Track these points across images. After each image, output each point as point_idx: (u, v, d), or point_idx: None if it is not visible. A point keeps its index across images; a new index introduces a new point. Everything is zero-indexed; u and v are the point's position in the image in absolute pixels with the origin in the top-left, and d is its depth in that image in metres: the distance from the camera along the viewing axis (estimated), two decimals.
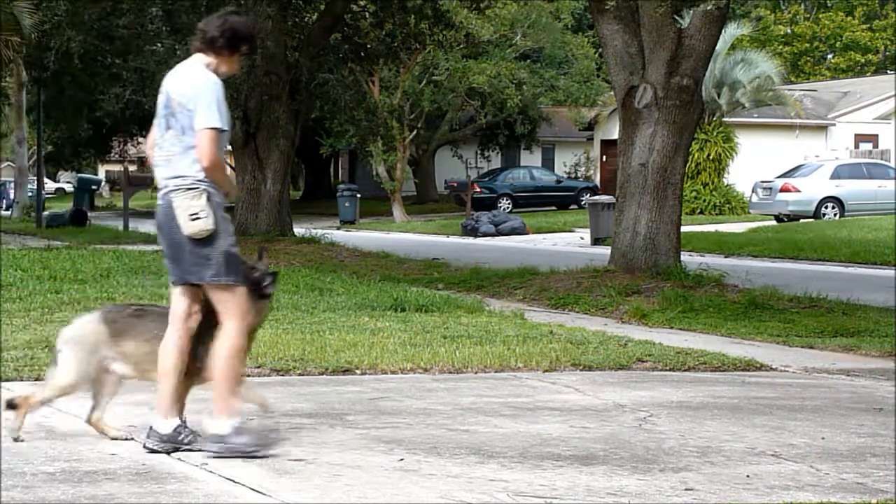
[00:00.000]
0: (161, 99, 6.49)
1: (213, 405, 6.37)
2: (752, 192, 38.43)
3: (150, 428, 6.39)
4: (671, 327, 13.65)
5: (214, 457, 6.20)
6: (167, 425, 6.36)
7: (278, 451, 6.35)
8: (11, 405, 6.58)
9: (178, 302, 6.43)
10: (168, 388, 6.39)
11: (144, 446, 6.39)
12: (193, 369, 6.47)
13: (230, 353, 6.32)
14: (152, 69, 25.65)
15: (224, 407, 6.32)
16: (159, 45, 24.99)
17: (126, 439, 6.60)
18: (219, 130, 6.32)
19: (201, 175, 6.34)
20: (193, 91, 6.33)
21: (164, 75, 6.68)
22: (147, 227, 34.64)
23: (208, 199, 6.38)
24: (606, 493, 5.74)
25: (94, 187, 52.43)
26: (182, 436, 6.37)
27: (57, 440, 6.63)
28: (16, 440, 6.48)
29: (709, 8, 16.28)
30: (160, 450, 6.31)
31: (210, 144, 6.29)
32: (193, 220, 6.32)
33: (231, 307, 6.36)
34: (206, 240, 6.37)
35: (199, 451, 6.30)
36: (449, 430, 7.16)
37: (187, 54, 6.70)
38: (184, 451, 6.30)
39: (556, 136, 57.78)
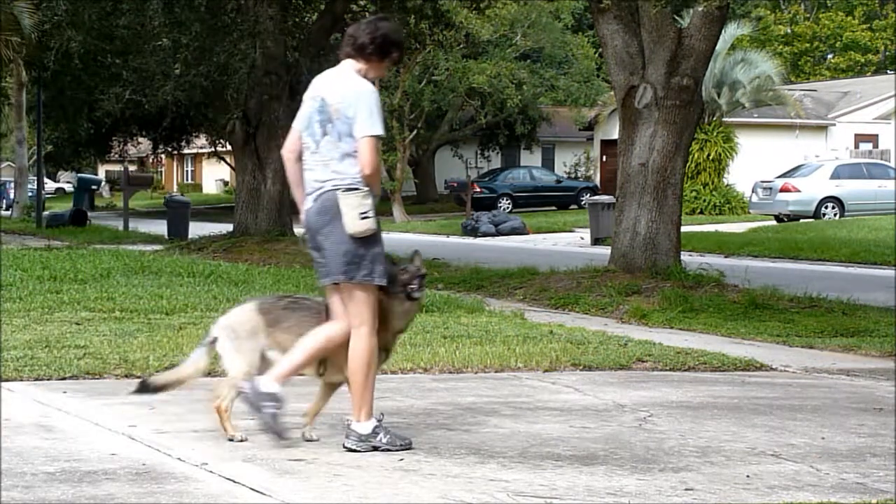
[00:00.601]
0: (313, 105, 6.59)
1: (354, 410, 6.52)
2: (752, 192, 38.44)
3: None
4: (671, 327, 13.65)
5: (355, 451, 6.42)
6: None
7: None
8: (145, 386, 6.77)
9: (338, 301, 6.55)
10: (296, 361, 6.52)
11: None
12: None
13: (368, 358, 6.48)
14: (153, 69, 25.62)
15: (365, 413, 6.50)
16: (165, 39, 24.93)
17: (242, 440, 6.64)
18: (378, 138, 6.51)
19: (359, 177, 6.48)
20: (353, 98, 6.47)
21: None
22: (147, 226, 34.71)
23: (373, 201, 6.54)
24: (606, 493, 5.74)
25: (94, 187, 52.46)
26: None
27: (57, 440, 6.63)
28: (233, 440, 6.61)
29: (708, 8, 16.27)
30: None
31: (371, 152, 6.48)
32: (363, 218, 6.42)
33: (364, 310, 6.48)
34: (365, 240, 6.45)
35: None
36: (449, 430, 7.16)
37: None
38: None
39: (556, 136, 57.79)
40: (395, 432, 6.62)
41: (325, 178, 6.49)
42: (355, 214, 6.39)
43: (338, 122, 6.48)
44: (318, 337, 6.51)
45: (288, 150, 6.70)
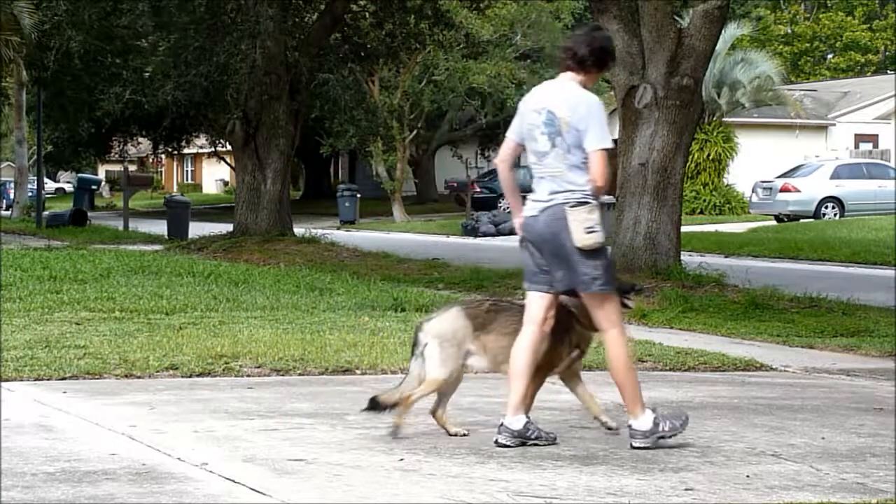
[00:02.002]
0: (537, 117, 6.77)
1: (629, 408, 6.76)
2: (752, 192, 38.43)
3: (502, 424, 6.68)
4: (671, 327, 13.65)
5: (646, 448, 6.62)
6: (518, 422, 6.67)
7: (687, 433, 6.77)
8: (377, 405, 6.91)
9: (538, 306, 6.79)
10: (520, 387, 6.73)
11: (496, 441, 6.65)
12: (540, 367, 6.86)
13: (627, 360, 6.76)
14: (154, 69, 25.63)
15: (639, 406, 6.71)
16: (144, 42, 24.95)
17: (464, 435, 6.85)
18: (608, 150, 6.68)
19: (588, 189, 6.65)
20: (585, 111, 6.65)
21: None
22: (147, 226, 34.71)
23: (600, 213, 6.72)
24: (606, 493, 5.74)
25: (94, 187, 52.45)
26: (530, 431, 6.68)
27: (57, 440, 6.63)
28: (395, 436, 6.82)
29: (708, 8, 16.27)
30: (511, 444, 6.61)
31: (604, 164, 6.63)
32: (589, 233, 6.60)
33: (612, 315, 6.73)
34: (596, 251, 6.64)
35: (546, 445, 6.65)
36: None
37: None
38: (530, 445, 6.63)
39: None
40: (671, 413, 6.82)
41: (556, 190, 6.70)
42: (582, 229, 6.60)
43: (567, 134, 6.66)
44: (524, 351, 6.74)
45: (501, 160, 7.01)
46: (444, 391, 6.93)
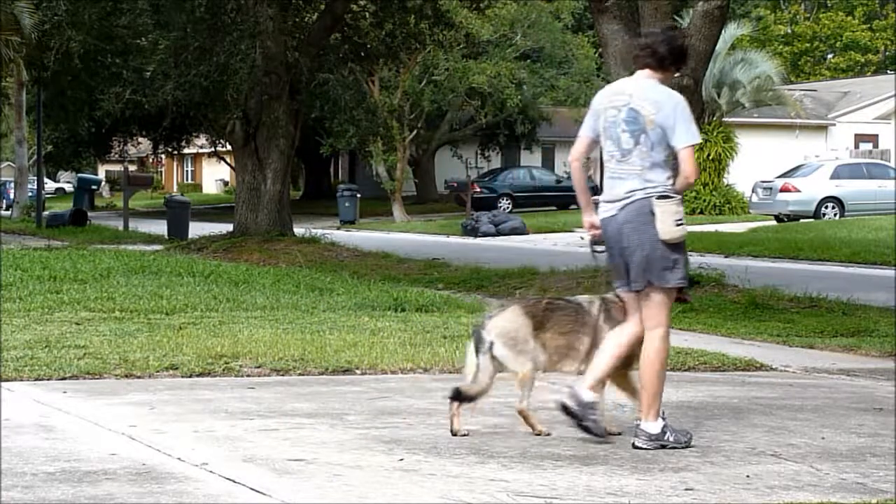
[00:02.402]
0: (618, 114, 6.78)
1: (644, 410, 6.76)
2: (752, 192, 38.43)
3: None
4: (671, 327, 13.62)
5: (645, 449, 6.65)
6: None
7: (694, 444, 6.74)
8: (459, 395, 6.95)
9: (637, 305, 6.86)
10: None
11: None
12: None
13: (663, 360, 6.81)
14: (154, 69, 25.63)
15: (655, 412, 6.74)
16: (143, 40, 24.98)
17: (547, 434, 6.94)
18: (696, 146, 6.79)
19: (669, 184, 6.70)
20: (671, 109, 6.71)
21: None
22: (147, 226, 34.71)
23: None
24: (606, 493, 5.74)
25: (94, 187, 52.44)
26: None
27: (57, 440, 6.63)
28: (540, 435, 6.94)
29: (708, 8, 16.27)
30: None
31: (693, 160, 6.73)
32: (678, 225, 6.65)
33: (665, 311, 6.82)
34: (677, 245, 6.70)
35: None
36: (449, 429, 7.15)
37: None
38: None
39: (556, 136, 57.74)
40: (678, 428, 6.82)
41: (637, 187, 6.72)
42: (671, 221, 6.62)
43: (652, 132, 6.69)
44: (621, 341, 6.84)
45: (575, 158, 7.01)
46: (487, 385, 7.00)
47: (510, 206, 47.15)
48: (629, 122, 6.73)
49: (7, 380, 8.46)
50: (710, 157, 40.82)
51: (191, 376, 8.93)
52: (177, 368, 9.09)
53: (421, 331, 11.35)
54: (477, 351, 6.98)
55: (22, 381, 8.52)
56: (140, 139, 52.00)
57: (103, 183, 66.94)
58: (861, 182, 37.73)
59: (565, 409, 6.83)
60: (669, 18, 16.60)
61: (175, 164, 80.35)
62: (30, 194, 44.49)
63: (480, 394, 7.01)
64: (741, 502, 5.66)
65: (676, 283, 6.73)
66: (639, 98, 6.75)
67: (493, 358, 6.94)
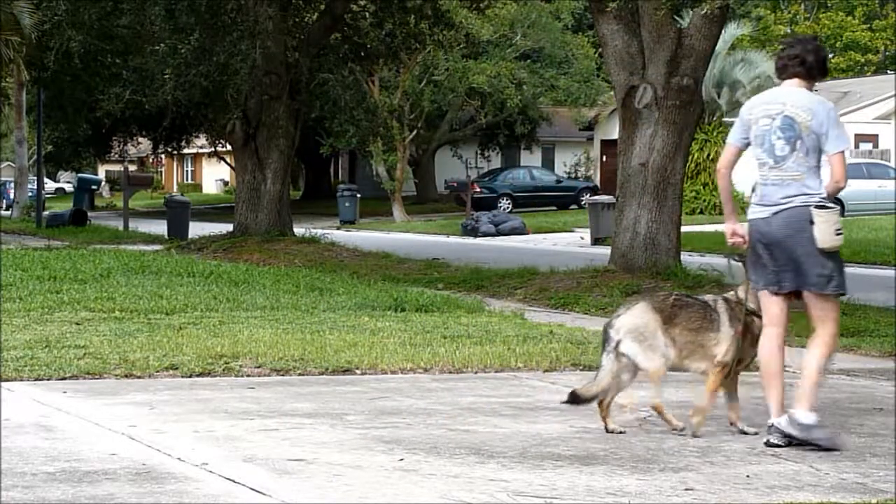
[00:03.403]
0: (771, 122, 7.03)
1: (800, 396, 6.94)
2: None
3: (772, 426, 6.89)
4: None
5: (794, 443, 6.77)
6: (786, 422, 6.85)
7: (842, 450, 6.78)
8: (576, 397, 7.08)
9: (780, 309, 7.10)
10: (778, 388, 7.00)
11: (767, 443, 6.83)
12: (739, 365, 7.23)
13: (827, 357, 7.04)
14: (152, 69, 25.62)
15: (812, 401, 6.90)
16: (161, 45, 25.01)
17: (682, 429, 7.08)
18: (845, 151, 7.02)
19: (823, 192, 6.93)
20: (824, 116, 6.93)
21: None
22: (147, 226, 34.71)
23: None
24: (606, 493, 5.74)
25: (94, 187, 52.41)
26: (815, 432, 6.83)
27: (57, 440, 6.63)
28: (676, 430, 7.10)
29: (708, 10, 16.27)
30: (782, 444, 6.79)
31: (843, 165, 6.95)
32: (838, 234, 6.88)
33: (834, 315, 7.03)
34: (834, 253, 6.92)
35: (810, 445, 6.76)
36: (449, 430, 7.16)
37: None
38: (794, 445, 6.79)
39: (556, 136, 57.76)
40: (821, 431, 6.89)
41: (794, 194, 6.94)
42: (831, 231, 6.84)
43: (807, 138, 6.93)
44: (775, 355, 7.09)
45: (724, 166, 7.36)
46: (621, 385, 7.13)
47: (510, 206, 47.15)
48: (784, 129, 6.97)
49: (7, 380, 8.46)
50: (710, 157, 40.77)
51: (191, 376, 8.93)
52: (177, 368, 9.09)
53: (421, 331, 11.35)
54: (603, 349, 7.13)
55: (22, 381, 8.52)
56: (140, 139, 51.99)
57: (103, 183, 66.91)
58: (861, 182, 37.67)
59: (775, 446, 6.84)
60: (669, 18, 16.59)
61: (175, 164, 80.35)
62: (30, 194, 44.47)
63: (598, 394, 7.10)
64: (741, 502, 5.66)
65: (833, 290, 6.94)
66: (793, 106, 6.98)
67: (620, 356, 7.05)
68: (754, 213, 7.13)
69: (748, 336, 7.21)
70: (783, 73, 7.15)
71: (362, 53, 28.58)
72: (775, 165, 7.01)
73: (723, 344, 7.18)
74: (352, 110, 27.56)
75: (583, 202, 44.12)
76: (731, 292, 7.36)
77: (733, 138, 7.27)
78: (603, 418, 7.14)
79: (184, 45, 23.93)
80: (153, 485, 5.67)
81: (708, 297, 7.40)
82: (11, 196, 48.96)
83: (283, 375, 9.13)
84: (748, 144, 7.18)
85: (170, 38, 24.50)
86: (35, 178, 40.84)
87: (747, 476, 6.13)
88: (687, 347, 7.13)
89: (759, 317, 7.18)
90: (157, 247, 25.76)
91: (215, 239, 26.22)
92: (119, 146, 51.80)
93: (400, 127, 45.06)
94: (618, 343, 7.03)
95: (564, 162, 57.23)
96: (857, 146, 47.92)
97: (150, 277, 15.61)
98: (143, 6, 24.12)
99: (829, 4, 75.09)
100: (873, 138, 48.51)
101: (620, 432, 7.05)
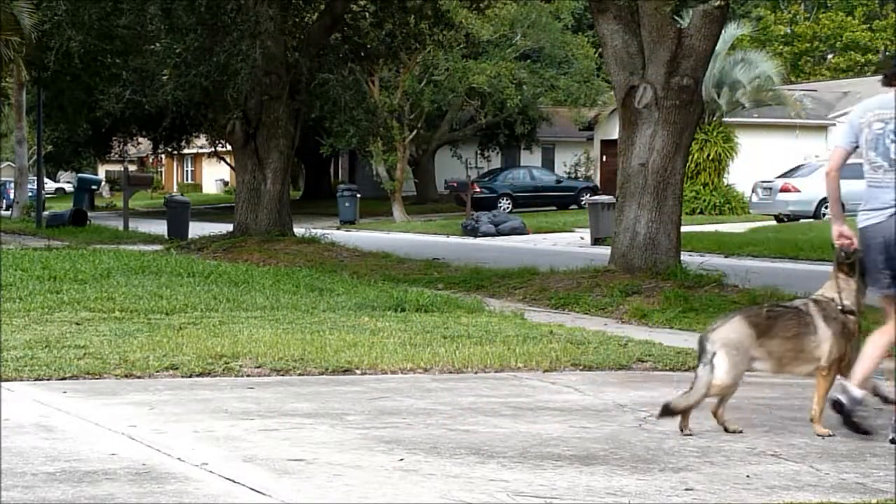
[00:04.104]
0: (885, 127, 7.31)
1: (855, 373, 7.20)
2: (752, 192, 38.42)
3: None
4: (671, 327, 13.65)
5: (842, 414, 7.08)
6: (858, 393, 7.16)
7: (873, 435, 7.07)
8: (669, 410, 7.18)
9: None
10: (868, 369, 7.26)
11: (892, 440, 7.05)
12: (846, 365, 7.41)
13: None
14: (152, 69, 25.62)
15: (865, 380, 7.18)
16: (158, 45, 25.00)
17: (740, 432, 7.21)
18: None
19: None
20: None
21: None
22: (147, 226, 34.70)
23: None
24: (606, 493, 5.74)
25: (94, 187, 52.41)
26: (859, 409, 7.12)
27: (57, 440, 6.63)
28: (734, 432, 7.23)
29: (708, 8, 16.27)
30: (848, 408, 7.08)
31: None
32: None
33: None
34: None
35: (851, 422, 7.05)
36: (449, 430, 7.16)
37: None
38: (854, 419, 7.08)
39: (556, 136, 57.76)
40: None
41: None
42: None
43: None
44: (881, 342, 7.35)
45: (834, 169, 7.54)
46: (727, 394, 7.28)
47: (510, 206, 47.15)
48: None
49: (7, 380, 8.46)
50: (710, 157, 40.83)
51: (191, 376, 8.94)
52: (177, 368, 9.09)
53: (421, 331, 11.35)
54: (699, 361, 7.26)
55: (22, 381, 8.52)
56: (140, 139, 52.01)
57: (103, 183, 66.93)
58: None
59: (836, 404, 7.13)
60: (669, 18, 16.58)
61: (175, 164, 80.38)
62: (30, 194, 44.48)
63: (691, 406, 7.18)
64: (741, 502, 5.66)
65: None
66: None
67: (713, 367, 7.17)
68: (867, 218, 7.37)
69: (844, 334, 7.39)
70: (889, 81, 7.40)
71: (362, 53, 28.58)
72: (889, 168, 7.26)
73: (824, 345, 7.34)
74: (352, 110, 27.55)
75: (583, 202, 44.13)
76: (820, 292, 7.54)
77: (843, 142, 7.52)
78: (722, 424, 7.29)
79: (180, 46, 23.94)
80: (153, 485, 5.67)
81: (798, 303, 7.59)
82: (11, 196, 48.96)
83: (283, 375, 9.13)
84: (856, 148, 7.45)
85: (166, 38, 24.50)
86: (35, 178, 40.84)
87: (747, 476, 6.13)
88: (787, 356, 7.31)
89: (855, 315, 7.43)
90: (157, 247, 25.76)
91: (215, 239, 26.23)
92: (119, 146, 51.82)
93: (400, 127, 45.06)
94: (713, 355, 7.18)
95: (564, 162, 57.23)
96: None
97: (150, 277, 15.62)
98: (142, 6, 24.11)
99: (829, 4, 75.05)
100: None
101: (739, 432, 7.22)
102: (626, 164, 17.03)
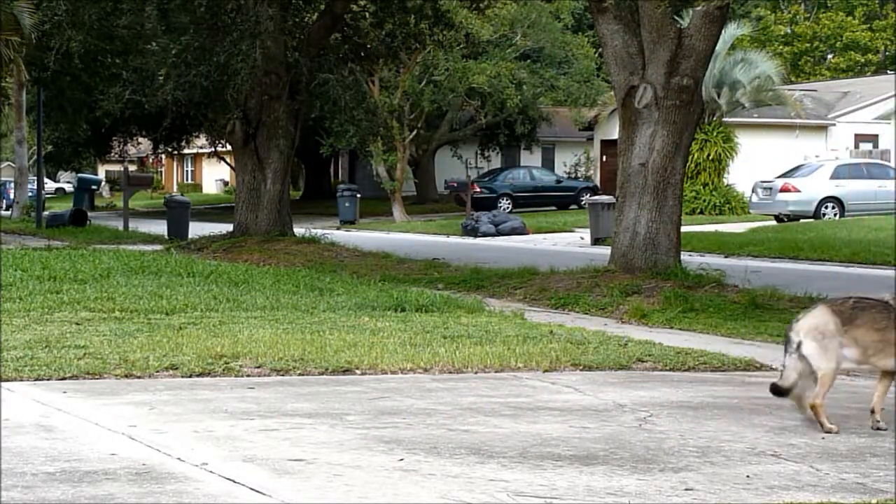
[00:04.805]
0: None
1: None
2: (752, 192, 38.41)
3: None
4: (671, 327, 13.65)
5: None
6: None
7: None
8: (779, 390, 7.44)
9: None
10: None
11: None
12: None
13: None
14: (152, 69, 25.61)
15: None
16: (152, 44, 25.00)
17: (836, 433, 7.30)
18: None
19: None
20: None
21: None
22: (147, 226, 34.69)
23: None
24: (606, 493, 5.74)
25: (93, 187, 52.41)
26: None
27: (57, 440, 6.63)
28: (830, 433, 7.31)
29: (709, 8, 16.26)
30: None
31: None
32: None
33: None
34: None
35: None
36: (449, 430, 7.16)
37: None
38: None
39: (556, 136, 57.75)
40: None
41: None
42: None
43: None
44: None
45: None
46: (829, 383, 7.41)
47: (510, 206, 47.14)
48: None
49: (7, 380, 8.46)
50: (710, 157, 40.81)
51: (191, 376, 8.94)
52: (177, 368, 9.09)
53: (421, 331, 11.35)
54: (785, 351, 7.43)
55: (22, 381, 8.52)
56: (140, 139, 51.98)
57: (103, 183, 66.93)
58: (861, 182, 37.70)
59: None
60: (669, 18, 16.58)
61: (175, 164, 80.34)
62: (30, 194, 44.46)
63: (790, 389, 7.42)
64: (741, 502, 5.66)
65: None
66: None
67: (802, 357, 7.34)
68: None
69: None
70: None
71: (362, 53, 28.57)
72: None
73: None
74: (352, 110, 27.55)
75: (583, 202, 44.12)
76: None
77: None
78: (819, 421, 7.41)
79: (175, 46, 23.92)
80: (153, 485, 5.67)
81: (886, 296, 7.66)
82: (11, 196, 48.94)
83: (283, 375, 9.13)
84: None
85: (162, 38, 24.49)
86: (35, 178, 40.82)
87: (747, 476, 6.13)
88: (874, 346, 7.42)
89: None
90: (157, 247, 25.76)
91: (215, 239, 26.23)
92: (119, 146, 51.79)
93: (400, 127, 45.05)
94: (799, 344, 7.34)
95: (564, 162, 57.22)
96: (857, 146, 47.94)
97: (150, 277, 15.62)
98: (141, 6, 24.11)
99: (829, 4, 75.05)
100: (873, 138, 48.51)
101: (836, 432, 7.31)
102: (626, 164, 17.02)
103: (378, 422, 7.35)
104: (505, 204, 47.20)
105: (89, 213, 38.73)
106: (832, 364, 7.34)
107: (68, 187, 76.18)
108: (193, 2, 23.58)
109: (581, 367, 9.87)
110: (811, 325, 7.38)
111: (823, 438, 7.21)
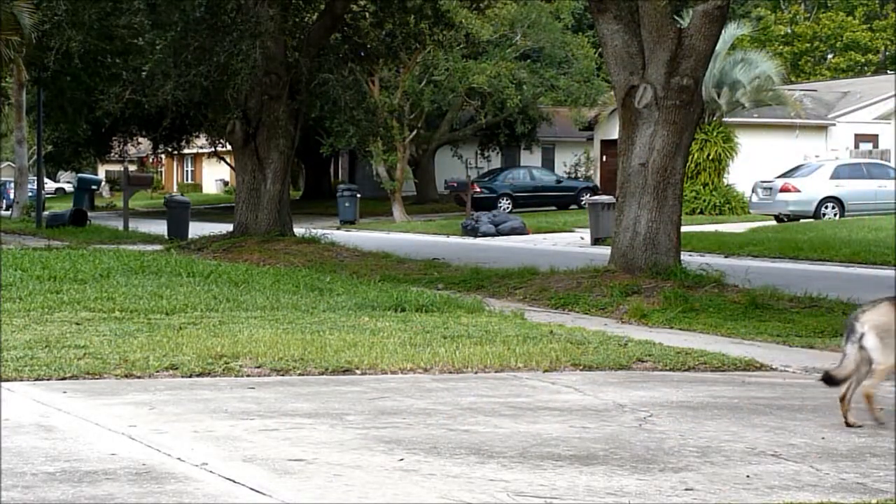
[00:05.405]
0: None
1: None
2: (752, 192, 38.41)
3: None
4: (671, 327, 13.65)
5: None
6: None
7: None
8: (831, 379, 7.62)
9: None
10: None
11: None
12: None
13: None
14: (152, 69, 25.60)
15: None
16: (139, 39, 24.97)
17: (860, 426, 7.45)
18: None
19: None
20: None
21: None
22: (147, 226, 34.70)
23: None
24: (606, 493, 5.74)
25: (93, 187, 52.41)
26: None
27: (57, 440, 6.63)
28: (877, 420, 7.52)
29: (708, 8, 16.26)
30: None
31: None
32: None
33: None
34: None
35: None
36: (449, 430, 7.16)
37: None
38: None
39: (556, 136, 57.75)
40: None
41: None
42: None
43: None
44: None
45: None
46: (860, 376, 7.53)
47: (510, 206, 47.14)
48: None
49: (7, 380, 8.46)
50: (710, 157, 40.81)
51: (191, 376, 8.94)
52: (177, 368, 9.09)
53: (421, 331, 11.35)
54: (847, 340, 7.58)
55: (22, 381, 8.53)
56: (140, 139, 51.99)
57: (103, 183, 66.92)
58: (861, 182, 37.70)
59: None
60: (669, 18, 16.58)
61: (175, 164, 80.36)
62: (30, 194, 44.46)
63: (846, 378, 7.54)
64: (741, 502, 5.66)
65: None
66: None
67: (862, 348, 7.49)
68: None
69: None
70: None
71: (362, 53, 28.57)
72: None
73: None
74: (352, 110, 27.54)
75: (583, 202, 44.12)
76: None
77: None
78: (844, 413, 7.54)
79: (161, 41, 23.88)
80: (153, 485, 5.67)
81: None
82: (11, 196, 48.94)
83: (283, 375, 9.13)
84: None
85: (149, 33, 24.47)
86: (35, 178, 40.82)
87: (747, 476, 6.13)
88: None
89: None
90: (157, 247, 25.76)
91: (215, 239, 26.23)
92: (119, 146, 51.81)
93: (400, 127, 45.05)
94: (862, 336, 7.49)
95: (564, 162, 57.22)
96: (857, 146, 47.95)
97: (150, 277, 15.62)
98: (130, 4, 24.09)
99: (829, 4, 75.06)
100: (873, 138, 48.51)
101: (859, 426, 7.42)
102: (627, 163, 17.02)
103: (378, 422, 7.35)
104: (505, 204, 47.21)
105: (89, 213, 38.73)
106: (890, 360, 7.48)
107: (68, 187, 76.19)
108: (185, 0, 23.55)
109: (581, 367, 9.87)
110: (877, 322, 7.52)
111: (823, 438, 7.21)
